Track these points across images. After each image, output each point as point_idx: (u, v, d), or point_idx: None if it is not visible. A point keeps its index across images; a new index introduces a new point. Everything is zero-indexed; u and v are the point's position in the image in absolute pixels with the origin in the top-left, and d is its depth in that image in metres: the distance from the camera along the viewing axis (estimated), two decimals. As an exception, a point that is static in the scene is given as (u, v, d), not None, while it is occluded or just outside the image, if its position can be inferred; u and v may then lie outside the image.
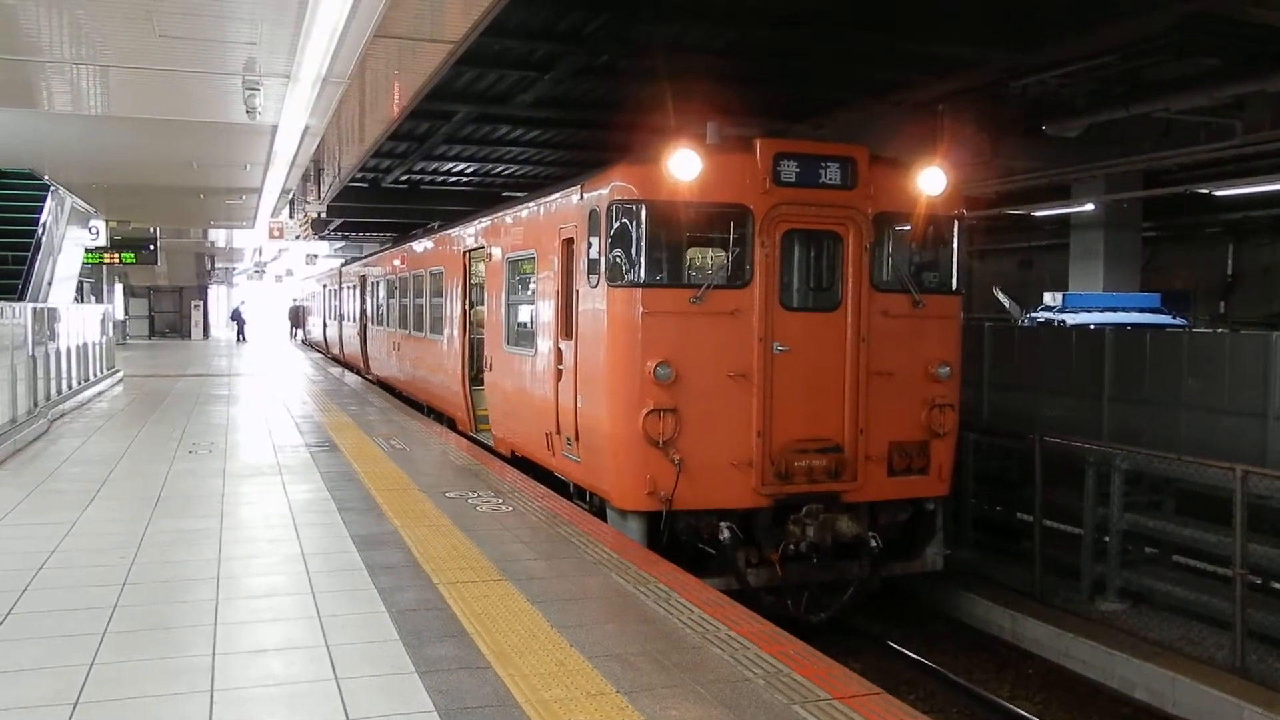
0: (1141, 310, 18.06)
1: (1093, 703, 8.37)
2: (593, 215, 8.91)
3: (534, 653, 5.18)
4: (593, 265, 8.88)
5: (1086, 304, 18.18)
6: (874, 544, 8.83)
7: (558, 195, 10.15)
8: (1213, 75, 12.53)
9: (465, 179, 22.08)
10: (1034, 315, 19.44)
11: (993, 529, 11.30)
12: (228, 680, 4.81)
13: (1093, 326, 15.57)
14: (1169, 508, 9.67)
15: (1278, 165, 16.61)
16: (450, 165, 20.56)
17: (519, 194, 18.94)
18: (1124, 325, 15.62)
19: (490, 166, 20.62)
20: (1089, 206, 19.76)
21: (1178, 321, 18.14)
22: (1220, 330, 19.16)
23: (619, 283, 8.51)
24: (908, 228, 9.19)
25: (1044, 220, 23.62)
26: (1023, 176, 17.31)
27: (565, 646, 5.29)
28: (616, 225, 8.52)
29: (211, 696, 4.61)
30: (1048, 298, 19.39)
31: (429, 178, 22.13)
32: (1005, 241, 28.33)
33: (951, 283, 9.42)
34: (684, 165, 8.18)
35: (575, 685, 4.77)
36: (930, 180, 8.93)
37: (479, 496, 9.13)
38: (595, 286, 8.81)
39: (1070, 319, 17.40)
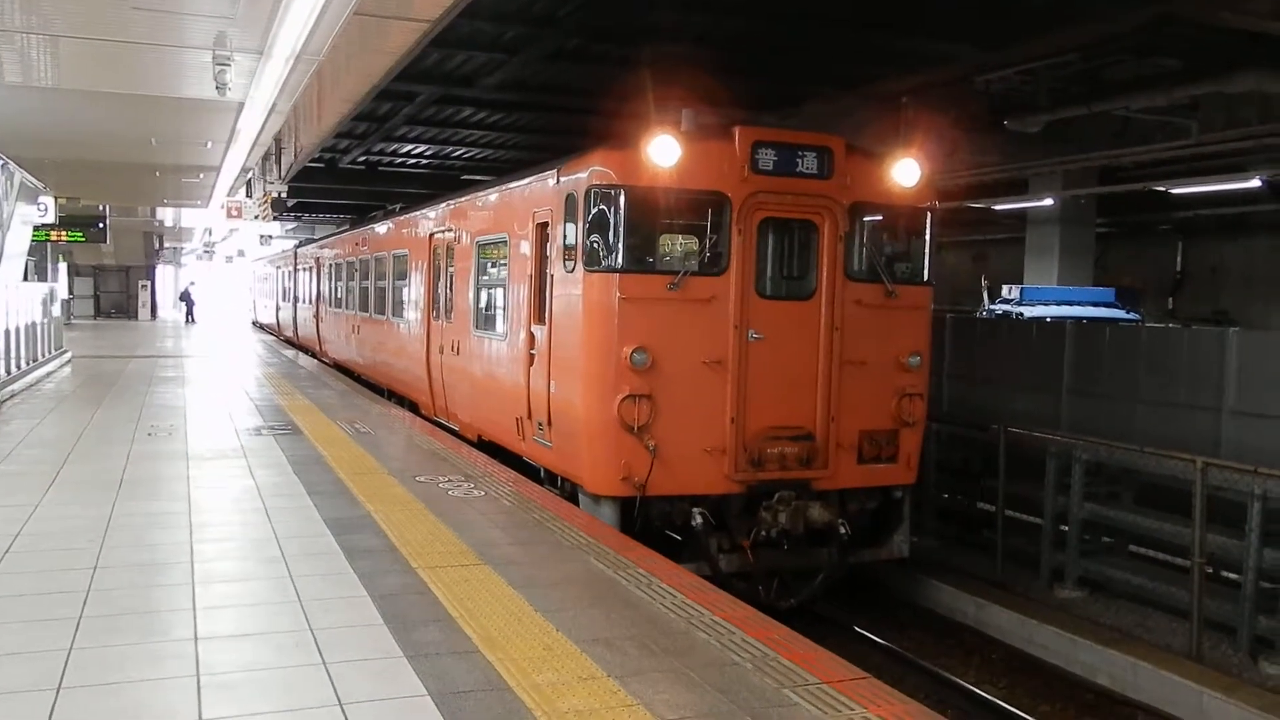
0: (1096, 305, 18.41)
1: (1056, 687, 8.54)
2: (570, 199, 8.86)
3: (521, 637, 5.16)
4: (569, 250, 8.83)
5: (1043, 297, 18.49)
6: (843, 531, 8.93)
7: (532, 179, 10.07)
8: (1172, 76, 12.78)
9: (424, 161, 21.87)
10: (992, 307, 19.74)
11: (954, 518, 11.47)
12: (212, 665, 4.73)
13: (1049, 319, 15.84)
14: (1128, 499, 9.89)
15: (1230, 165, 17.00)
16: (409, 147, 20.36)
17: (480, 177, 18.81)
18: (1080, 319, 15.89)
19: (449, 149, 20.45)
20: (1048, 201, 20.06)
21: (1131, 316, 18.51)
22: (1176, 326, 19.54)
23: (596, 268, 8.48)
24: (882, 218, 9.27)
25: (1000, 215, 23.92)
26: (984, 170, 17.51)
27: (551, 631, 5.28)
28: (595, 210, 8.49)
29: (198, 681, 4.54)
30: (1005, 290, 19.68)
31: (387, 159, 21.89)
32: (961, 235, 28.62)
33: (923, 273, 9.51)
34: (664, 151, 8.16)
35: (565, 669, 4.77)
36: (905, 172, 9.01)
37: (450, 481, 9.07)
38: (571, 271, 8.76)
39: (1028, 311, 17.68)
